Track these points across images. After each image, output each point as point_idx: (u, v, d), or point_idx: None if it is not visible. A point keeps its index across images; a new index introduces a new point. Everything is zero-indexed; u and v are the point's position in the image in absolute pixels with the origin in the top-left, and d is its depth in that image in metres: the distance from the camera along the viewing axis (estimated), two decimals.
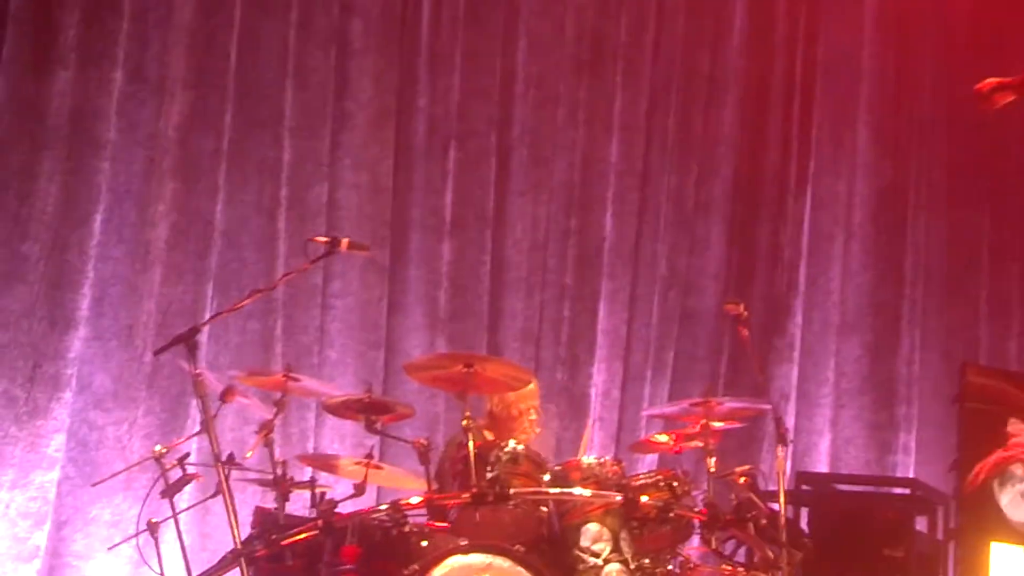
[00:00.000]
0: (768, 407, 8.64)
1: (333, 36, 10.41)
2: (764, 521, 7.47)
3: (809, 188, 11.72)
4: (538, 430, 8.25)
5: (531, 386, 8.08)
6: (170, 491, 7.67)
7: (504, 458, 7.03)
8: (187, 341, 7.66)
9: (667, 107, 11.42)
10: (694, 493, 7.48)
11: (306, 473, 7.94)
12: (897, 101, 11.95)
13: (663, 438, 8.16)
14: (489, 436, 8.00)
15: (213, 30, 10.07)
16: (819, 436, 11.35)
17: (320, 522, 7.06)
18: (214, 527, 8.91)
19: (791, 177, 11.67)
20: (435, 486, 7.41)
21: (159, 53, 9.91)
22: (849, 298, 11.69)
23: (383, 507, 7.17)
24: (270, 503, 7.74)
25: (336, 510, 7.18)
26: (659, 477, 7.43)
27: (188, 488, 7.85)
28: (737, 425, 8.44)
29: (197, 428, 7.98)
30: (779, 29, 11.70)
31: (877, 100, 11.93)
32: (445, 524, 7.07)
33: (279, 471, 7.64)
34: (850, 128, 11.89)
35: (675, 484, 7.31)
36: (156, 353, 8.77)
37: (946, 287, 11.98)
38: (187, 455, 7.82)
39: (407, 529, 6.98)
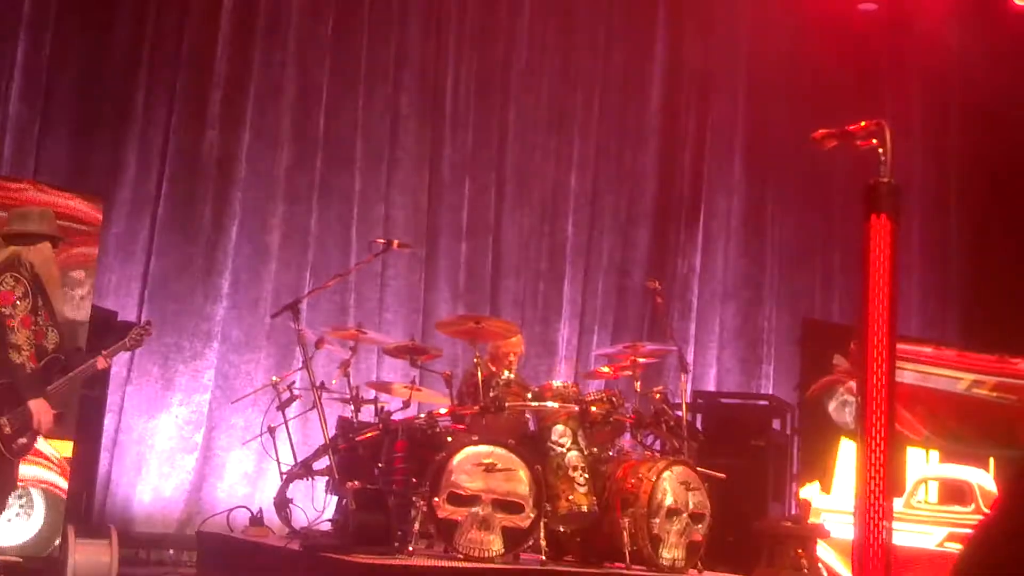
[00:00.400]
0: (675, 348, 8.63)
1: (388, 107, 10.43)
2: (672, 423, 7.44)
3: (703, 204, 11.67)
4: (512, 369, 8.23)
5: (514, 339, 8.11)
6: (283, 406, 7.73)
7: (501, 383, 6.99)
8: (293, 308, 7.72)
9: (608, 150, 11.40)
10: (626, 405, 7.44)
11: (371, 394, 7.97)
12: (762, 144, 11.89)
13: (606, 369, 8.15)
14: (493, 368, 8.01)
15: (309, 104, 10.13)
16: (709, 367, 11.34)
17: (381, 426, 7.12)
18: (311, 429, 8.94)
19: (690, 197, 11.63)
20: (456, 402, 7.43)
21: (273, 119, 9.95)
22: (729, 277, 11.67)
23: (422, 416, 7.20)
24: (348, 414, 7.78)
25: (391, 418, 7.24)
26: (603, 394, 7.37)
27: (294, 404, 7.91)
28: (654, 360, 8.43)
29: (300, 365, 8.04)
30: (682, 97, 11.69)
31: (748, 144, 11.90)
32: (463, 427, 7.05)
33: (354, 393, 7.69)
34: (729, 163, 11.86)
35: (614, 399, 7.25)
36: (272, 317, 8.88)
37: (792, 268, 11.97)
38: (293, 383, 7.89)
39: (438, 430, 6.97)
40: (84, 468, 7.98)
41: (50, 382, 6.00)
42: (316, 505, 7.51)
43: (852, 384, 9.05)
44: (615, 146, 11.46)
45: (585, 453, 6.88)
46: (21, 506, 7.43)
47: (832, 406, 9.71)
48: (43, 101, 9.14)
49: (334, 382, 7.77)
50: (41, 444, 6.87)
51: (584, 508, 6.67)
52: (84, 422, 7.88)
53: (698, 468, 7.09)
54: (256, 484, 9.34)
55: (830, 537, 8.86)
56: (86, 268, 7.83)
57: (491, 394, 6.90)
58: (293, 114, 10.05)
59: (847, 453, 9.49)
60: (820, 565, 8.71)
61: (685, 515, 6.77)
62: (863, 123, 3.72)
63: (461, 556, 6.21)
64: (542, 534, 6.35)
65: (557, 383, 7.34)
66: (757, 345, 11.59)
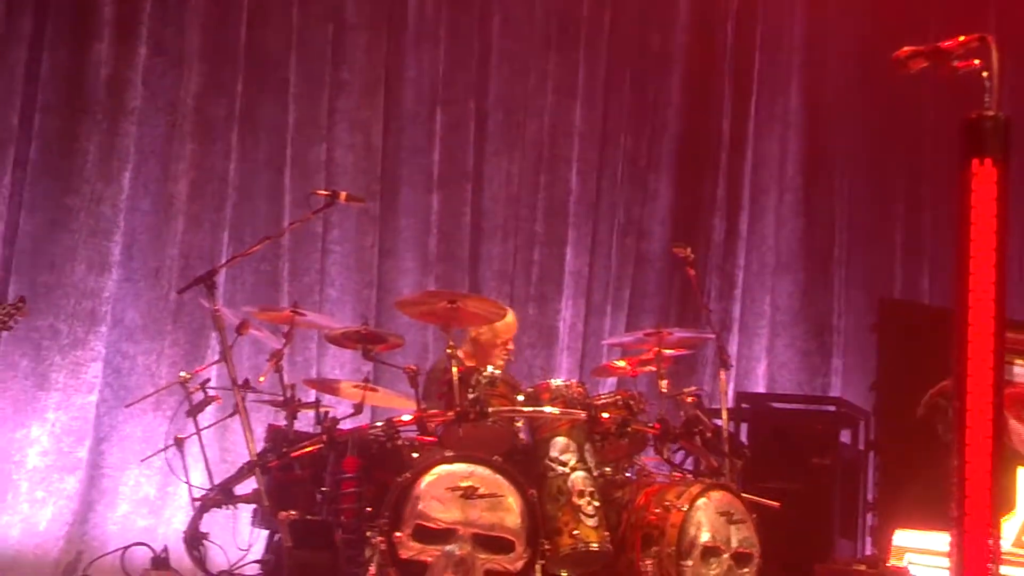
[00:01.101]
0: (712, 336, 8.71)
1: (331, 13, 10.43)
2: (709, 434, 7.51)
3: (748, 147, 11.71)
4: (512, 358, 8.33)
5: (511, 319, 8.16)
6: (194, 411, 7.74)
7: (483, 381, 7.04)
8: (207, 281, 7.76)
9: (623, 77, 11.44)
10: (648, 410, 7.51)
11: (311, 395, 7.99)
12: (825, 69, 11.94)
13: (621, 363, 8.20)
14: (469, 362, 8.05)
15: (225, 9, 10.13)
16: (757, 361, 11.41)
17: (324, 437, 7.13)
18: (232, 442, 8.98)
19: (731, 137, 11.65)
20: (424, 406, 7.45)
21: (177, 30, 9.95)
22: (783, 243, 11.73)
23: (379, 424, 7.22)
24: (281, 421, 7.79)
25: (338, 427, 7.25)
26: (618, 397, 7.46)
27: (209, 408, 7.88)
28: (685, 352, 8.52)
29: (216, 357, 8.09)
30: (720, 6, 11.72)
31: (808, 69, 11.93)
32: (433, 439, 7.09)
33: (288, 393, 7.71)
34: (784, 94, 11.90)
35: (631, 403, 7.35)
36: (179, 292, 8.93)
37: (867, 232, 12.00)
38: (208, 380, 7.89)
39: (400, 443, 7.00)
40: None
41: None
42: (239, 542, 7.55)
43: (944, 383, 9.07)
44: (632, 69, 11.49)
45: (595, 474, 6.96)
46: None
47: (919, 412, 9.74)
48: None
49: (262, 379, 7.80)
50: None
51: (593, 546, 6.75)
52: None
53: (743, 494, 7.17)
54: (160, 514, 9.37)
55: None
56: None
57: (471, 395, 6.95)
58: (205, 22, 10.05)
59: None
60: None
61: (726, 556, 6.86)
62: (962, 38, 3.76)
63: None
64: None
65: (557, 382, 7.41)
66: (822, 332, 11.65)
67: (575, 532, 6.73)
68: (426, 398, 7.59)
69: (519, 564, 6.44)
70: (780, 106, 11.90)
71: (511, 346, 8.16)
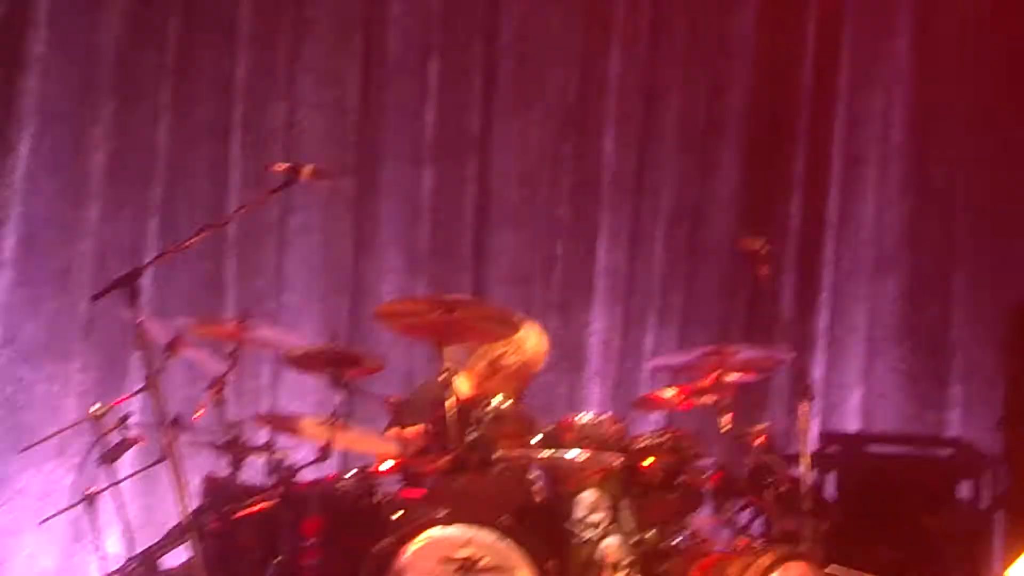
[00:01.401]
0: (790, 357, 8.71)
1: None
2: (784, 488, 7.56)
3: (840, 104, 11.73)
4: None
5: (546, 347, 8.28)
6: (109, 457, 7.72)
7: (488, 416, 7.09)
8: (128, 285, 7.75)
9: (675, 11, 11.44)
10: (704, 456, 7.55)
11: (263, 436, 8.02)
12: (948, 7, 11.93)
13: (670, 392, 8.19)
14: (474, 391, 8.06)
15: None
16: (849, 390, 11.39)
17: (278, 492, 7.18)
18: (159, 498, 8.96)
19: (818, 93, 11.67)
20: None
21: None
22: (884, 232, 11.71)
23: (350, 474, 7.27)
24: (222, 470, 7.83)
25: (296, 478, 7.30)
26: (665, 437, 7.51)
27: (130, 454, 7.86)
28: (754, 377, 8.49)
29: (140, 385, 8.09)
30: None
31: (921, 4, 11.94)
32: (422, 492, 7.13)
33: (232, 434, 7.74)
34: (888, 33, 11.88)
35: (683, 445, 7.40)
36: (93, 299, 8.80)
37: (997, 218, 11.95)
38: (128, 416, 7.87)
39: (377, 499, 7.06)
40: None
41: None
42: None
43: None
44: (684, 9, 11.50)
45: (633, 540, 6.97)
46: None
47: None
48: None
49: (199, 415, 7.82)
50: None
51: None
52: None
53: (832, 566, 7.18)
54: None
55: None
56: None
57: (471, 436, 6.97)
58: None
59: None
60: None
61: None
62: None
63: None
64: None
65: (585, 417, 7.44)
66: (935, 351, 11.63)
67: None
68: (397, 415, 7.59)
69: None
70: (883, 51, 11.87)
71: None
